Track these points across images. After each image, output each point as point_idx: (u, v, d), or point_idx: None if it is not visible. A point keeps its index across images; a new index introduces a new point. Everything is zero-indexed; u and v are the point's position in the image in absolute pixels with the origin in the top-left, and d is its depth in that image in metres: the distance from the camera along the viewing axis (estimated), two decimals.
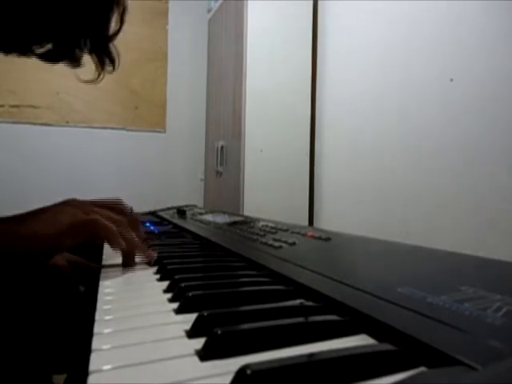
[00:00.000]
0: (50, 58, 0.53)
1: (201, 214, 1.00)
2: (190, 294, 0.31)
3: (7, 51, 0.51)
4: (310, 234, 0.55)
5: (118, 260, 0.51)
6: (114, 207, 0.53)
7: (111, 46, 0.56)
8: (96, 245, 0.61)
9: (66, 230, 0.45)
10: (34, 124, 2.32)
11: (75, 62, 0.55)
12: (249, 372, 0.18)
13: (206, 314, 0.26)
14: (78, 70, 0.56)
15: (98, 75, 0.58)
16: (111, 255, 0.54)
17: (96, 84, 0.59)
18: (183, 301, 0.31)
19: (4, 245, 0.43)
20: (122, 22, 0.53)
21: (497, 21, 1.17)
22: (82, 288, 0.60)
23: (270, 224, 0.68)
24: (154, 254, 0.50)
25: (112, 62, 0.57)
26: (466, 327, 0.21)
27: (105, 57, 0.56)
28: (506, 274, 0.32)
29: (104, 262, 0.51)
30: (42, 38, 0.50)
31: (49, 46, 0.52)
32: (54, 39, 0.51)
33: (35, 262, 0.52)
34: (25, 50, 0.52)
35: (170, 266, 0.43)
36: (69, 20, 0.48)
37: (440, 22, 1.35)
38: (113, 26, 0.53)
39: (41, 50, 0.52)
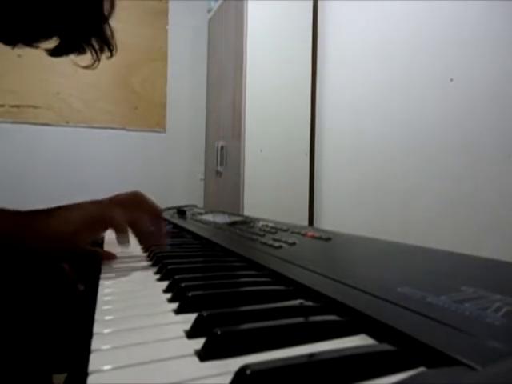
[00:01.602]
0: (59, 51, 0.53)
1: (201, 214, 1.00)
2: (190, 294, 0.31)
3: (12, 43, 0.51)
4: (310, 233, 0.55)
5: (118, 260, 0.51)
6: (133, 202, 0.54)
7: (106, 28, 0.55)
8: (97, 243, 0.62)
9: (81, 228, 0.46)
10: (34, 124, 2.32)
11: (83, 51, 0.55)
12: (249, 372, 0.18)
13: (205, 314, 0.26)
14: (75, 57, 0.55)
15: (95, 61, 0.57)
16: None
17: (93, 69, 0.58)
18: (183, 301, 0.31)
19: (22, 240, 0.44)
20: (113, 3, 0.52)
21: (497, 21, 1.17)
22: (81, 287, 0.60)
23: (270, 224, 0.68)
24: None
25: (108, 45, 0.56)
26: (466, 327, 0.21)
27: (101, 41, 0.55)
28: (506, 274, 0.32)
29: (104, 263, 0.51)
30: (42, 22, 0.49)
31: (56, 41, 0.51)
32: (55, 25, 0.50)
33: (53, 260, 0.52)
34: (28, 40, 0.51)
35: (169, 266, 0.43)
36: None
37: (441, 23, 1.35)
38: (106, 7, 0.52)
39: (50, 46, 0.52)
